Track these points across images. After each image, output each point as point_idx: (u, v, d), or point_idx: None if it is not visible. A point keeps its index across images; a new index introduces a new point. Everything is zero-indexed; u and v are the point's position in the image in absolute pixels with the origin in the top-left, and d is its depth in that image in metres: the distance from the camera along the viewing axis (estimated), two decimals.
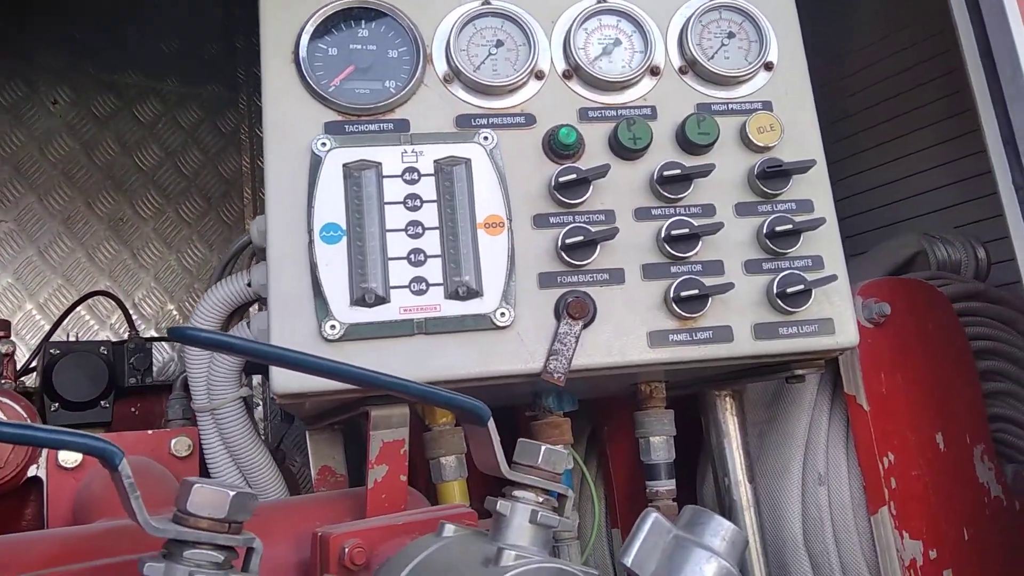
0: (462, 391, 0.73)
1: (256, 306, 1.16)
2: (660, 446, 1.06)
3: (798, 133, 1.01)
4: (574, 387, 0.99)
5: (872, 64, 1.75)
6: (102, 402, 1.42)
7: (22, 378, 1.52)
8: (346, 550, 0.71)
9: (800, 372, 1.01)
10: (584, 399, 1.14)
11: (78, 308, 2.01)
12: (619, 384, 1.05)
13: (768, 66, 1.03)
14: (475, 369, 0.88)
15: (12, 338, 1.39)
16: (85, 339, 2.10)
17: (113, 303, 2.11)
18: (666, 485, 1.06)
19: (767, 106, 1.01)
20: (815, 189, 1.00)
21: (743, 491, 1.09)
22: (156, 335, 1.99)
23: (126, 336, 1.69)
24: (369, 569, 0.72)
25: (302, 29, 0.96)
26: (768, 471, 1.15)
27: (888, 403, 1.10)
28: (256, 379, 1.41)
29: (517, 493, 0.72)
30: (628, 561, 0.65)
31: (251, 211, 2.61)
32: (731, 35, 1.03)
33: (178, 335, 0.58)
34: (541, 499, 0.72)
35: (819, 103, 1.04)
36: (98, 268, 2.32)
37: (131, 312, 2.06)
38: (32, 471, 0.99)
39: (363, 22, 0.98)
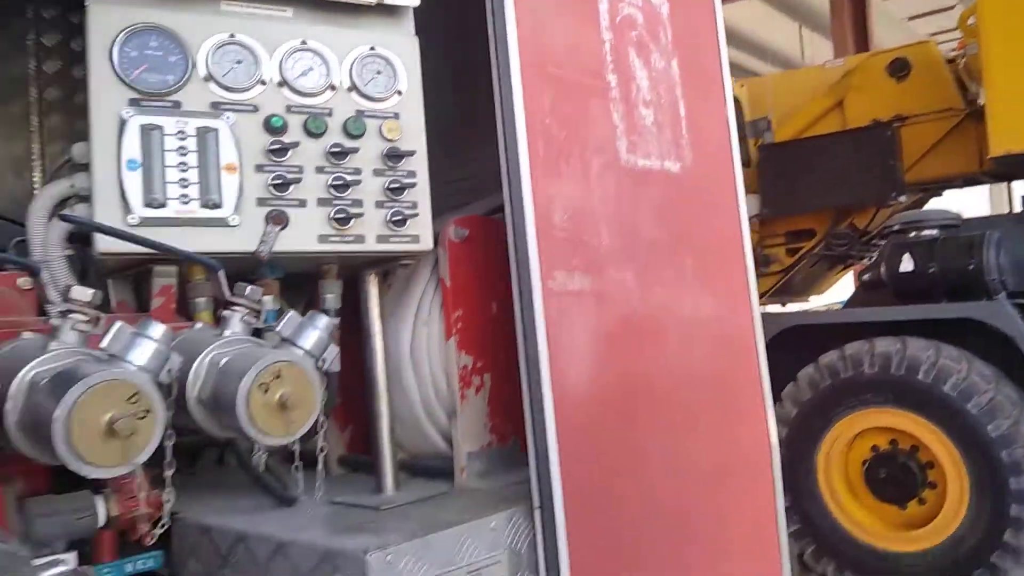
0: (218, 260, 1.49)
1: (71, 201, 1.79)
2: (330, 300, 1.88)
3: (411, 132, 1.84)
4: (281, 263, 1.77)
5: None
6: None
7: None
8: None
9: (406, 262, 1.87)
10: (300, 276, 1.91)
11: None
12: (310, 265, 1.84)
13: (399, 92, 1.84)
14: (217, 247, 1.63)
15: None
16: None
17: None
18: (334, 320, 1.89)
19: (396, 116, 1.83)
20: (417, 164, 1.83)
21: (376, 328, 1.95)
22: None
23: None
24: None
25: (114, 39, 1.60)
26: (396, 317, 2.03)
27: (460, 282, 2.00)
28: None
29: (233, 308, 1.50)
30: None
31: (36, 110, 3.02)
32: (379, 72, 1.82)
33: (68, 219, 1.27)
34: (245, 313, 1.51)
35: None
36: None
37: None
38: None
39: (152, 36, 1.64)
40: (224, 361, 1.36)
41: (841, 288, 6.35)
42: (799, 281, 5.83)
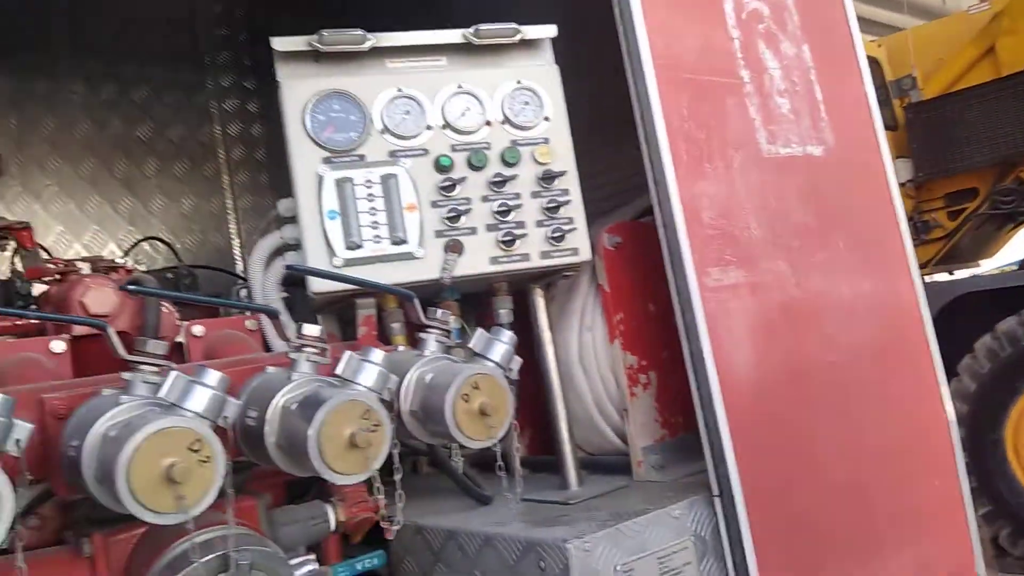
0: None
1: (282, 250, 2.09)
2: (504, 315, 2.07)
3: (561, 153, 2.00)
4: (459, 286, 1.98)
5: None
6: None
7: None
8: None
9: (567, 273, 2.04)
10: (469, 294, 2.12)
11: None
12: (482, 285, 2.04)
13: (547, 118, 2.00)
14: (407, 278, 1.86)
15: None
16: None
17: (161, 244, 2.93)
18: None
19: (546, 140, 1.99)
20: (569, 182, 1.99)
21: (546, 337, 2.12)
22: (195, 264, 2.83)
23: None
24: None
25: (304, 106, 1.87)
26: (561, 325, 2.19)
27: (618, 286, 2.13)
28: None
29: (428, 330, 1.71)
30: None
31: (226, 170, 3.46)
32: (527, 103, 2.00)
33: (294, 269, 1.52)
34: (438, 334, 1.71)
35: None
36: (121, 216, 3.17)
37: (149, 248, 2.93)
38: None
39: (335, 100, 1.89)
40: (429, 377, 1.57)
41: (1014, 249, 5.93)
42: (965, 245, 5.53)
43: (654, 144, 1.90)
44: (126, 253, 2.77)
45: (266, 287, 2.02)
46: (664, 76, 1.95)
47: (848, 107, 2.33)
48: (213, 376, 1.22)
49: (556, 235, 1.95)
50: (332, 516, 1.82)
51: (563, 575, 1.55)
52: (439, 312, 1.71)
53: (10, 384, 1.54)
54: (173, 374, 1.20)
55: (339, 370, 1.38)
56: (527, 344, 2.13)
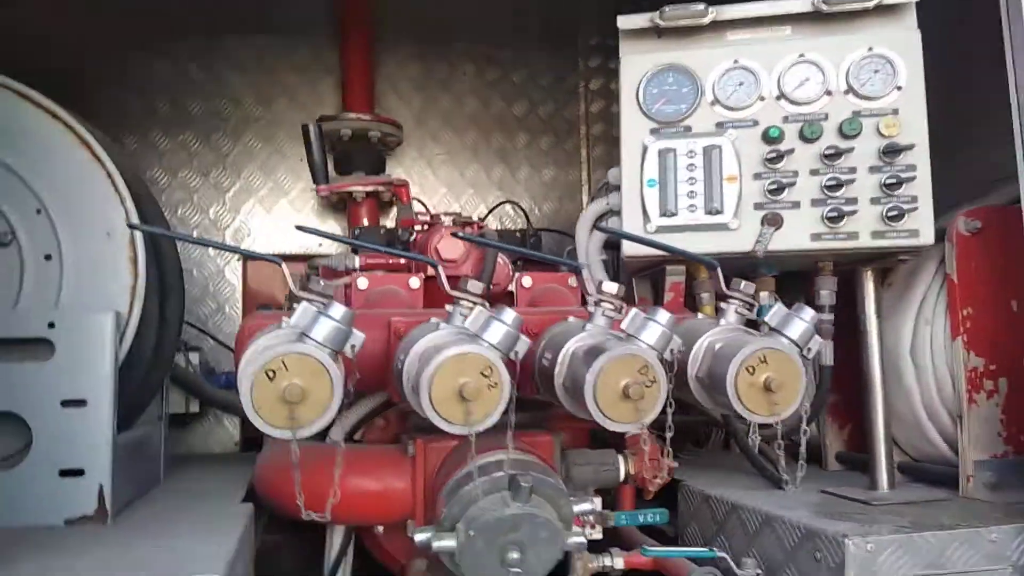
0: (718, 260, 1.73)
1: (607, 216, 2.23)
2: (825, 296, 1.97)
3: (912, 126, 1.81)
4: (777, 261, 1.93)
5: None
6: (517, 262, 2.62)
7: None
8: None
9: (903, 258, 1.85)
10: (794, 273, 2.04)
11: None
12: (804, 263, 1.96)
13: (899, 87, 1.83)
14: (717, 248, 1.87)
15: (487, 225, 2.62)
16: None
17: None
18: (828, 316, 1.97)
19: (896, 111, 1.82)
20: (917, 157, 1.80)
21: (872, 325, 1.96)
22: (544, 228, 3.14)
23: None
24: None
25: (639, 80, 1.96)
26: (896, 314, 2.00)
27: (970, 278, 1.88)
28: None
29: (729, 301, 1.71)
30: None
31: (585, 144, 3.72)
32: (876, 71, 1.84)
33: (600, 229, 1.64)
34: (739, 305, 1.70)
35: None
36: (492, 183, 3.60)
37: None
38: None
39: (670, 74, 1.96)
40: (719, 346, 1.57)
41: None
42: None
43: None
44: (488, 213, 3.17)
45: (589, 249, 2.18)
46: None
47: None
48: (509, 315, 1.38)
49: (893, 214, 1.79)
50: (623, 466, 1.92)
51: (838, 571, 1.45)
52: (743, 284, 1.69)
53: (375, 307, 1.91)
54: (477, 309, 1.39)
55: (624, 325, 1.47)
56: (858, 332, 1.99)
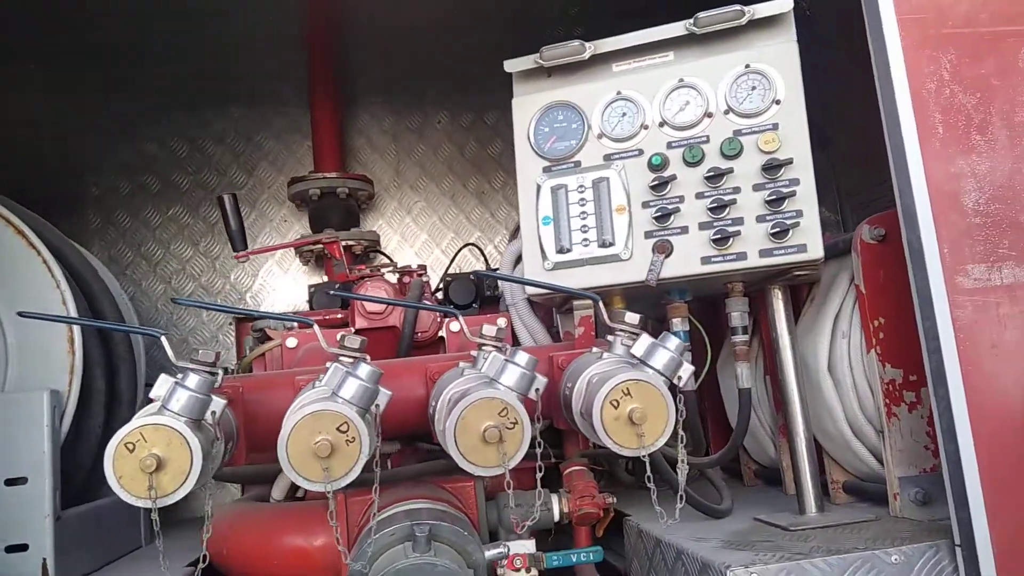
0: (610, 293, 1.73)
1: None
2: (736, 317, 1.93)
3: (791, 140, 1.78)
4: (669, 287, 1.91)
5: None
6: (473, 304, 2.68)
7: (436, 293, 2.86)
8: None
9: (799, 274, 1.81)
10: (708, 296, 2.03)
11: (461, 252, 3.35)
12: (713, 286, 1.94)
13: (777, 102, 1.81)
14: (612, 280, 1.87)
15: (427, 273, 2.70)
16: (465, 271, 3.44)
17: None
18: (742, 337, 1.94)
19: (775, 127, 1.80)
20: (799, 171, 1.77)
21: (784, 342, 1.92)
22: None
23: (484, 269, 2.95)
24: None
25: (530, 121, 2.00)
26: (814, 330, 1.95)
27: (878, 287, 1.82)
28: None
29: (616, 333, 1.71)
30: None
31: None
32: (754, 88, 1.83)
33: (480, 276, 1.68)
34: (626, 336, 1.70)
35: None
36: (473, 225, 3.66)
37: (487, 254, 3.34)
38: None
39: (558, 111, 1.99)
40: (594, 380, 1.58)
41: None
42: None
43: (892, 118, 1.59)
44: (452, 259, 3.24)
45: (514, 288, 2.21)
46: (913, 34, 1.62)
47: None
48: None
49: (777, 230, 1.76)
50: (556, 506, 1.93)
51: None
52: (626, 315, 1.70)
53: (303, 365, 2.00)
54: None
55: (483, 369, 1.50)
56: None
